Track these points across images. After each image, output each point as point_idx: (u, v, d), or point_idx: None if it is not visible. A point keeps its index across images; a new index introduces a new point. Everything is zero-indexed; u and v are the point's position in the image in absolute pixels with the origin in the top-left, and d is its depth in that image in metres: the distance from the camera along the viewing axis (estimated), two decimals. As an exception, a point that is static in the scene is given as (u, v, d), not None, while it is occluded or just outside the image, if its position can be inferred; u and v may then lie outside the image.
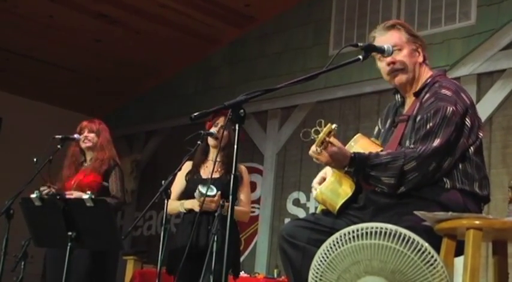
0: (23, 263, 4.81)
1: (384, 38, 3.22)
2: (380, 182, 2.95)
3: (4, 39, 8.83)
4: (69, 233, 4.39)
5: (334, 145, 2.87)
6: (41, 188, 5.02)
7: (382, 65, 3.24)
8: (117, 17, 8.39)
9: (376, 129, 3.46)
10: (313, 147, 2.89)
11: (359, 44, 3.14)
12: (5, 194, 5.19)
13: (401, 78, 3.20)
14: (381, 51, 3.17)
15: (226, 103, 2.84)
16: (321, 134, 2.79)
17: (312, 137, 2.85)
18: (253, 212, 5.57)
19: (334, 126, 2.83)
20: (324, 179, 3.20)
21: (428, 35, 6.76)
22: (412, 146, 2.99)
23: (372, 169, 2.93)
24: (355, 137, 3.23)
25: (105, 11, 8.26)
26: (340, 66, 3.15)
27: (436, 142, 2.96)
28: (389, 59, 3.18)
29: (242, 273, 5.24)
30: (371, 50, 3.15)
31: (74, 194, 5.07)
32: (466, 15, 6.87)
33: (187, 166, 4.99)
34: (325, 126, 2.81)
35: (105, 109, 10.11)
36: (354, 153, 2.94)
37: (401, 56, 3.19)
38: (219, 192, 4.64)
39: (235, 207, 4.77)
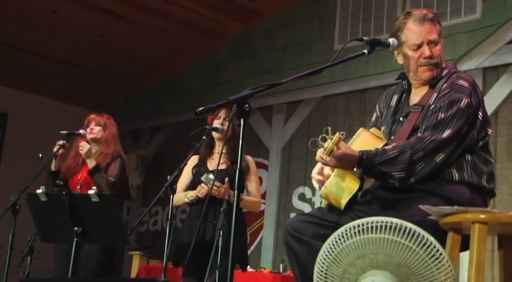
0: (29, 258, 4.83)
1: (420, 29, 3.15)
2: (391, 177, 2.94)
3: (8, 35, 8.83)
4: (75, 228, 4.41)
5: (341, 149, 2.86)
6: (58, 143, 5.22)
7: (412, 54, 3.17)
8: (122, 12, 8.38)
9: (374, 115, 3.42)
10: (321, 154, 2.89)
11: (364, 38, 3.13)
12: (11, 189, 5.21)
13: (433, 73, 3.16)
14: (385, 45, 3.16)
15: (231, 98, 2.84)
16: (331, 144, 2.79)
17: (320, 146, 2.85)
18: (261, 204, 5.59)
19: (342, 133, 2.83)
20: (322, 169, 3.19)
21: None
22: (420, 134, 2.98)
23: (381, 166, 2.92)
24: (358, 131, 3.23)
25: (110, 7, 8.26)
26: (345, 60, 3.14)
27: (446, 133, 2.95)
28: (428, 52, 3.12)
29: (248, 268, 5.24)
30: (376, 44, 3.13)
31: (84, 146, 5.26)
32: (471, 9, 6.85)
33: (193, 160, 5.01)
34: (332, 133, 2.81)
35: (110, 104, 10.10)
36: (362, 153, 2.93)
37: (438, 50, 3.15)
38: (227, 179, 4.64)
39: (245, 197, 4.82)
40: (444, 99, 3.02)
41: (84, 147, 5.25)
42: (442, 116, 2.98)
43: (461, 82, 3.06)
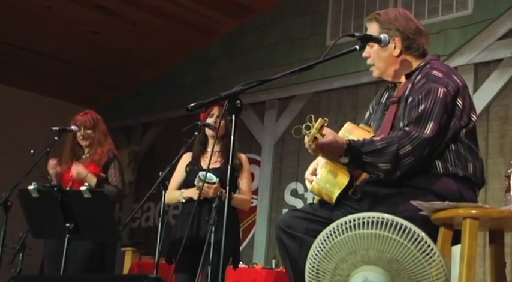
0: (21, 254, 4.82)
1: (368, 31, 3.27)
2: (376, 168, 2.93)
3: (0, 31, 8.80)
4: (67, 225, 4.40)
5: (328, 137, 2.86)
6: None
7: None
8: (114, 8, 8.36)
9: (367, 113, 3.46)
10: (307, 143, 2.90)
11: (356, 34, 3.15)
12: (2, 186, 5.20)
13: (374, 73, 3.29)
14: (377, 41, 3.17)
15: (223, 94, 2.85)
16: (313, 130, 2.78)
17: (304, 133, 2.84)
18: (251, 202, 5.60)
19: (325, 119, 2.82)
20: (315, 170, 3.19)
21: (426, 24, 6.68)
22: (407, 128, 2.97)
23: (367, 156, 2.92)
24: (345, 125, 3.23)
25: (101, 3, 8.24)
26: (336, 56, 3.15)
27: (430, 127, 2.93)
28: (365, 54, 3.25)
29: (240, 264, 5.24)
30: (367, 40, 3.15)
31: (76, 169, 5.19)
32: (463, 5, 6.86)
33: (187, 157, 5.00)
34: (315, 120, 2.80)
35: (102, 101, 10.09)
36: (349, 141, 2.93)
37: (372, 50, 3.23)
38: (218, 179, 4.64)
39: (236, 195, 4.82)
40: (421, 91, 3.02)
41: (76, 171, 5.26)
42: (422, 107, 2.97)
43: (435, 73, 3.06)
